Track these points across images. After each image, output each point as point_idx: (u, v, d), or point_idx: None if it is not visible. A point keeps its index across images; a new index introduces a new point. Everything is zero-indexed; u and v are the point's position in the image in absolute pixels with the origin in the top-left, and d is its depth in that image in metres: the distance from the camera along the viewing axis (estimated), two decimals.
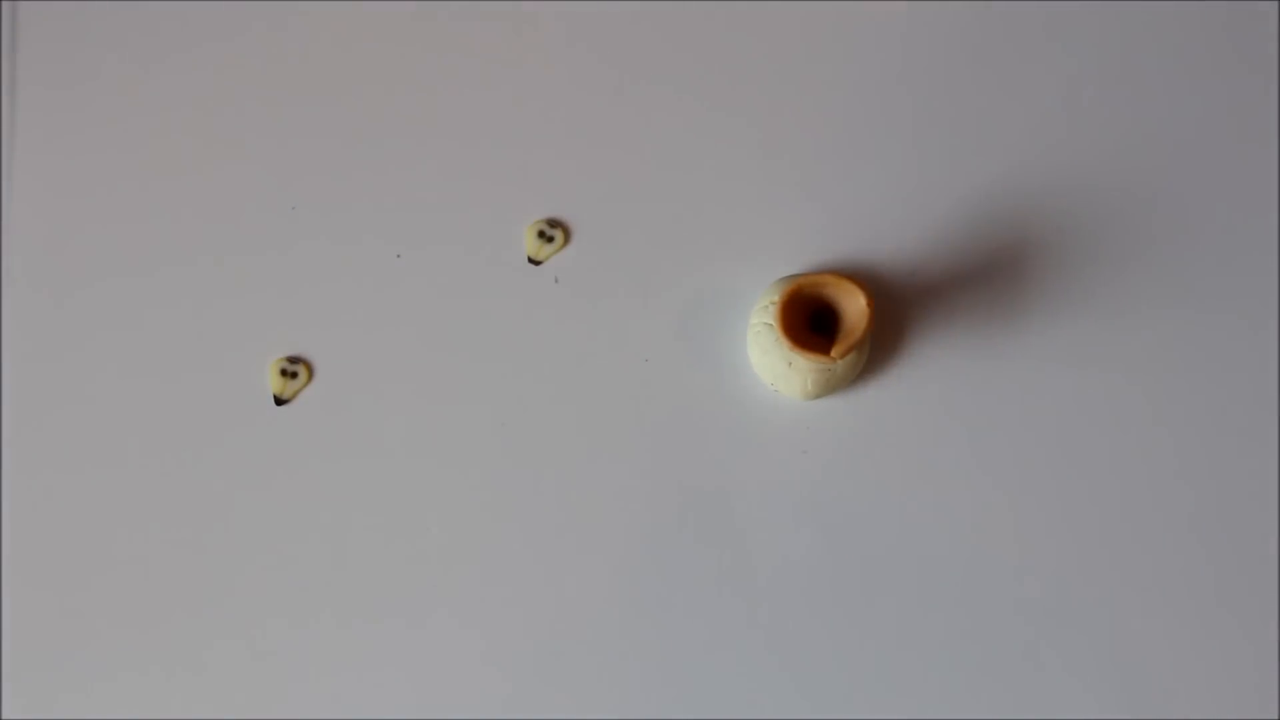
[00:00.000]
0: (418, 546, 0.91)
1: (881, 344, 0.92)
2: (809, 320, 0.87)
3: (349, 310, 0.93)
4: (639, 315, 0.93)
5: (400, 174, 0.93)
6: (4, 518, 0.91)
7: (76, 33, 0.95)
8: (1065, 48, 0.95)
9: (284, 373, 0.92)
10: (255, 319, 0.93)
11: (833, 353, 0.84)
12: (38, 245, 0.93)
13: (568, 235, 0.93)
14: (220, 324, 0.93)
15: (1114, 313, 0.93)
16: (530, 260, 0.93)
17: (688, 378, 0.93)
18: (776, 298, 0.87)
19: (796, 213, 0.93)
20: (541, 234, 0.93)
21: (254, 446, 0.92)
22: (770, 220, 0.93)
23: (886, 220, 0.93)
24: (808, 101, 0.94)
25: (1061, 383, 0.92)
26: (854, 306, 0.85)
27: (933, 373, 0.92)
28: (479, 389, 0.92)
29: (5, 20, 0.95)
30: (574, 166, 0.94)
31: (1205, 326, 0.93)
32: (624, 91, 0.94)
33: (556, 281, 0.93)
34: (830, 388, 0.89)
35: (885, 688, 0.91)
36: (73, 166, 0.94)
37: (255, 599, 0.91)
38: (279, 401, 0.92)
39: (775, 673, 0.91)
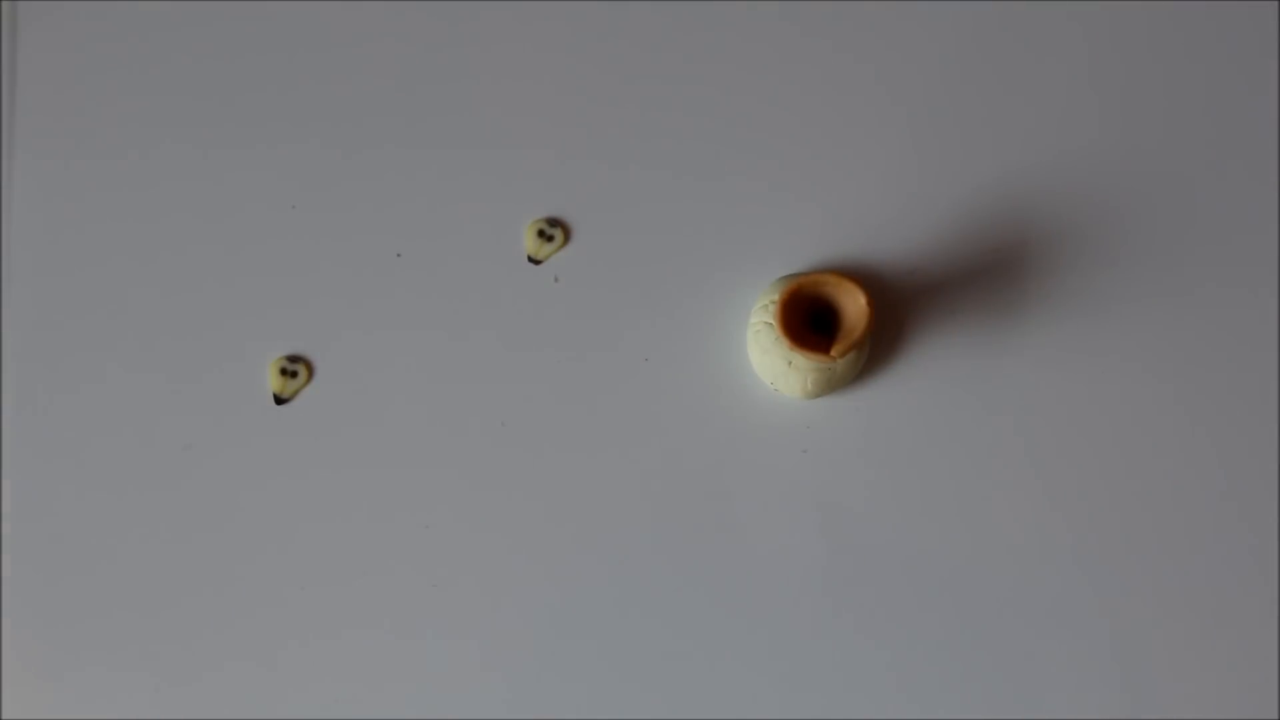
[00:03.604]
0: (417, 545, 0.91)
1: (881, 343, 0.92)
2: (809, 319, 0.87)
3: (349, 310, 0.93)
4: (639, 315, 0.93)
5: (400, 173, 0.94)
6: (3, 516, 0.91)
7: (76, 33, 0.95)
8: (1065, 48, 0.95)
9: (284, 372, 0.92)
10: (255, 318, 0.93)
11: (833, 352, 0.84)
12: (38, 245, 0.93)
13: (568, 234, 0.93)
14: (220, 323, 0.93)
15: (1114, 312, 0.93)
16: (530, 259, 0.93)
17: (688, 378, 0.93)
18: (776, 297, 0.87)
19: (796, 213, 0.93)
20: (541, 233, 0.93)
21: (254, 446, 0.92)
22: (770, 220, 0.93)
23: (886, 220, 0.93)
24: (808, 101, 0.94)
25: (1062, 382, 0.92)
26: (854, 306, 0.85)
27: (933, 372, 0.92)
28: (479, 388, 0.92)
29: (5, 20, 0.95)
30: (574, 166, 0.94)
31: (1205, 326, 0.93)
32: (624, 91, 0.94)
33: (556, 281, 0.93)
34: (830, 387, 0.89)
35: (885, 687, 0.91)
36: (73, 166, 0.94)
37: (255, 598, 0.91)
38: (279, 401, 0.92)
39: (775, 672, 0.91)
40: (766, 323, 0.88)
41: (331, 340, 0.93)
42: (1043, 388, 0.92)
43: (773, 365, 0.89)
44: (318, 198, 0.94)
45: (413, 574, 0.91)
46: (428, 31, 0.95)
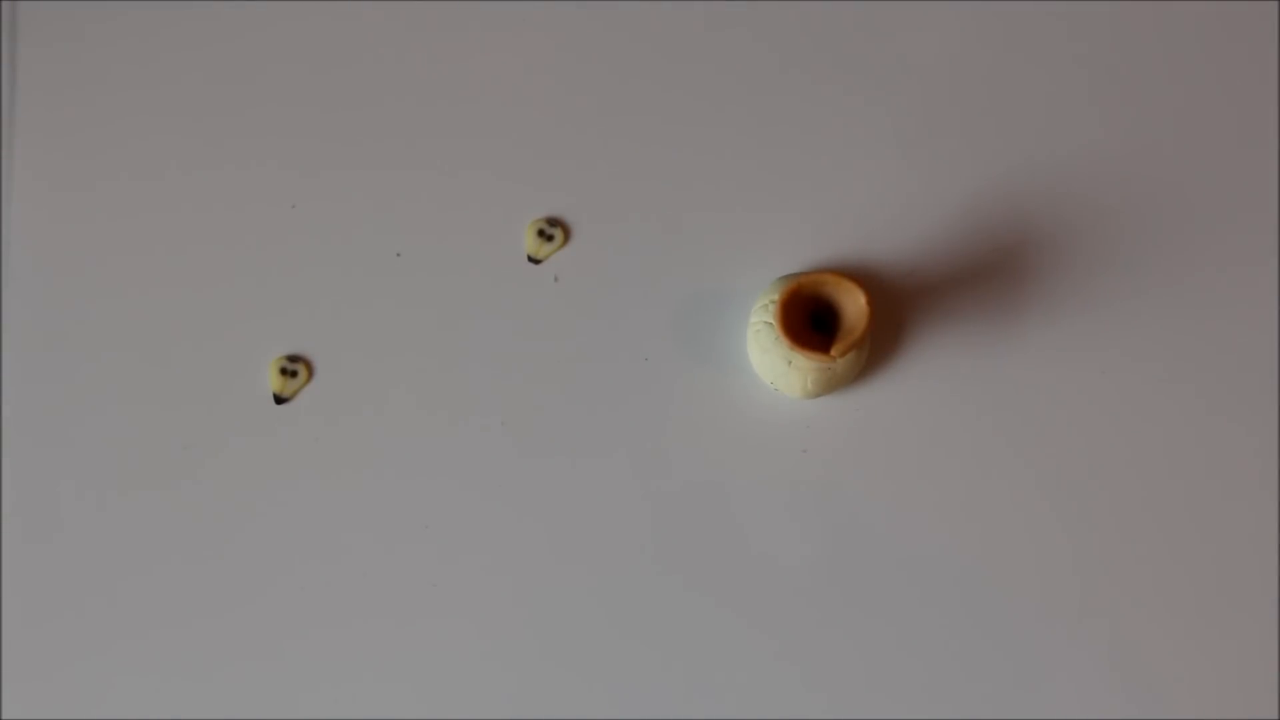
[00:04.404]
0: (417, 545, 0.91)
1: (881, 343, 0.92)
2: (809, 319, 0.87)
3: (349, 309, 0.93)
4: (639, 314, 0.93)
5: (400, 173, 0.94)
6: (3, 516, 0.91)
7: (76, 33, 0.95)
8: (1065, 48, 0.95)
9: (284, 371, 0.92)
10: (255, 318, 0.93)
11: (832, 351, 0.84)
12: (38, 245, 0.93)
13: (567, 234, 0.93)
14: (220, 323, 0.93)
15: (1113, 311, 0.93)
16: (530, 259, 0.93)
17: (688, 377, 0.93)
18: (776, 297, 0.87)
19: (796, 213, 0.93)
20: (541, 232, 0.93)
21: (254, 445, 0.92)
22: (770, 220, 0.93)
23: (886, 220, 0.93)
24: (808, 101, 0.94)
25: (1061, 381, 0.92)
26: (853, 305, 0.85)
27: (932, 372, 0.92)
28: (479, 388, 0.92)
29: (5, 20, 0.95)
30: (574, 166, 0.94)
31: (1205, 325, 0.93)
32: (624, 92, 0.94)
33: (556, 280, 0.93)
34: (830, 386, 0.89)
35: (885, 687, 0.91)
36: (73, 166, 0.94)
37: (254, 597, 0.91)
38: (279, 400, 0.92)
39: (775, 672, 0.91)
40: (766, 322, 0.88)
41: (331, 340, 0.93)
42: (1042, 388, 0.92)
43: (773, 365, 0.89)
44: (318, 198, 0.94)
45: (413, 574, 0.91)
46: (428, 31, 0.95)
